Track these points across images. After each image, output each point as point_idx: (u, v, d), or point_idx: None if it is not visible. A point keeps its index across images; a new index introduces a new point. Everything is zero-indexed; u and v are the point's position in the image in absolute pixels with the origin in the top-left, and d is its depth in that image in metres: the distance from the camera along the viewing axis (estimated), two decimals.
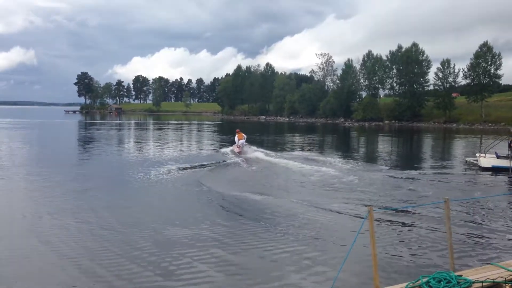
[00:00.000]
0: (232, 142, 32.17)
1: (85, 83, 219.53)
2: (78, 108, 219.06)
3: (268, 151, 30.44)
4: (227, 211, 13.60)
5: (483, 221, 12.53)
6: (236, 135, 31.32)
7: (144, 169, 22.09)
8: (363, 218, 11.60)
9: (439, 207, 12.77)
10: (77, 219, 12.36)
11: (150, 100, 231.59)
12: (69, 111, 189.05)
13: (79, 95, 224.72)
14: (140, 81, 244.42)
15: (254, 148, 30.95)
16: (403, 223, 12.20)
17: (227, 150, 31.33)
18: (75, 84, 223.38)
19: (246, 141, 31.16)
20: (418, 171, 23.04)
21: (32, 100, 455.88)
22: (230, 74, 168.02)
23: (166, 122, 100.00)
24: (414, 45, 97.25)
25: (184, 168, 22.79)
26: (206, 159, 26.59)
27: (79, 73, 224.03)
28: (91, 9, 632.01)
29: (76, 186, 17.41)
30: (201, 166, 23.69)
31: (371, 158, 29.47)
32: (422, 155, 34.47)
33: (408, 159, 28.75)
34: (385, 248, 9.90)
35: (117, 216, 12.85)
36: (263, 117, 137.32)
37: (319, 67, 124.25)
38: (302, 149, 35.17)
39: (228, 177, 20.57)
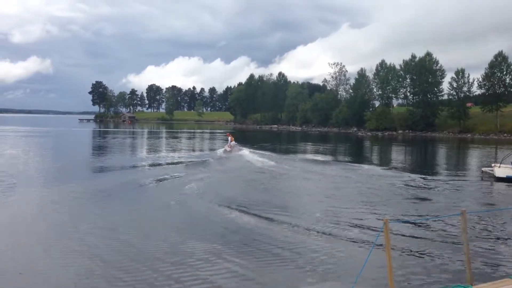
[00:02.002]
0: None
1: (99, 92, 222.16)
2: (92, 116, 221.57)
3: (255, 150, 36.70)
4: (235, 220, 13.56)
5: (500, 233, 12.32)
6: (229, 138, 39.15)
7: (156, 174, 22.22)
8: (378, 230, 11.52)
9: (456, 219, 12.59)
10: (91, 229, 12.41)
11: (163, 108, 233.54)
12: (83, 119, 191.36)
13: (94, 104, 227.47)
14: (153, 90, 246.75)
15: (242, 147, 37.98)
16: (419, 235, 12.00)
17: (221, 150, 38.40)
18: (89, 93, 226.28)
19: (235, 143, 38.67)
20: (433, 181, 22.79)
21: (47, 109, 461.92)
22: (243, 83, 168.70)
23: (179, 130, 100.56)
24: (428, 54, 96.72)
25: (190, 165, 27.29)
26: (208, 157, 33.84)
27: (94, 82, 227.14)
28: (106, 18, 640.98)
29: (91, 195, 17.52)
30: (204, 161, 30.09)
31: (385, 167, 29.21)
32: (437, 165, 34.12)
33: (423, 169, 28.44)
34: (401, 261, 9.77)
35: (130, 227, 12.88)
36: (276, 126, 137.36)
37: (332, 77, 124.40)
38: (317, 156, 35.16)
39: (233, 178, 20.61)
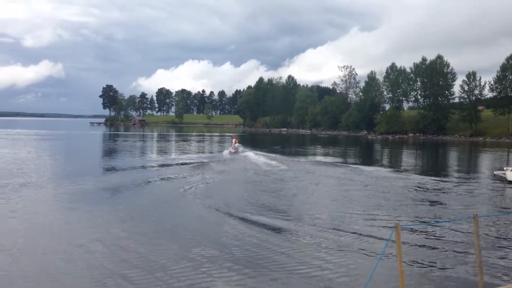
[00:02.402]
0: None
1: (110, 96, 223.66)
2: (103, 120, 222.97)
3: (264, 153, 38.35)
4: (246, 223, 13.49)
5: None
6: (233, 140, 42.16)
7: (164, 174, 22.29)
8: (388, 234, 11.39)
9: (468, 223, 12.41)
10: (101, 233, 12.45)
11: (172, 112, 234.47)
12: (94, 123, 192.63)
13: (104, 108, 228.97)
14: (163, 94, 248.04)
15: (245, 149, 40.40)
16: (431, 239, 11.85)
17: (226, 151, 40.46)
18: (100, 96, 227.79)
19: (239, 144, 41.08)
20: (445, 184, 22.57)
21: (58, 112, 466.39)
22: (252, 86, 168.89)
23: (188, 133, 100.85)
24: (439, 57, 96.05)
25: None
26: (213, 158, 35.68)
27: (104, 86, 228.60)
28: (117, 23, 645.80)
29: (102, 198, 17.60)
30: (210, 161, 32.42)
31: (395, 169, 28.99)
32: (449, 168, 33.80)
33: (434, 172, 28.18)
34: (413, 266, 9.64)
35: (140, 231, 12.89)
36: (285, 129, 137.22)
37: (342, 80, 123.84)
38: (328, 158, 35.04)
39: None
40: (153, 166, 29.89)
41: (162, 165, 30.21)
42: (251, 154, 37.04)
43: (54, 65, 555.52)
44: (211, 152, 43.54)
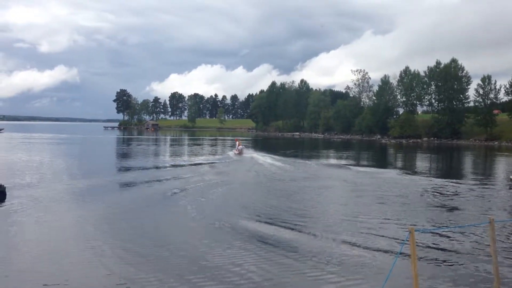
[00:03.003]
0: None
1: (123, 100, 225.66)
2: (116, 124, 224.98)
3: (267, 154, 42.06)
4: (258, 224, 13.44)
5: None
6: (236, 142, 47.32)
7: (180, 178, 22.38)
8: (403, 239, 11.27)
9: (484, 228, 12.21)
10: (112, 235, 12.52)
11: (185, 116, 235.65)
12: (108, 127, 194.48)
13: (118, 112, 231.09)
14: (176, 98, 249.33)
15: (249, 151, 45.79)
16: (446, 245, 11.65)
17: (231, 153, 44.43)
18: (114, 101, 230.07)
19: (242, 147, 45.37)
20: (460, 188, 22.24)
21: (73, 117, 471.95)
22: (265, 90, 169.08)
23: (201, 137, 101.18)
24: (453, 61, 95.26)
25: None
26: (221, 159, 38.66)
27: (118, 90, 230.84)
28: (131, 28, 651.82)
29: (115, 201, 17.73)
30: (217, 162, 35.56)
31: (410, 173, 28.66)
32: (464, 173, 33.37)
33: (450, 176, 27.78)
34: (427, 272, 9.48)
35: (151, 234, 12.93)
36: (297, 133, 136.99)
37: (355, 84, 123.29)
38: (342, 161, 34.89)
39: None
40: (166, 166, 30.59)
41: (175, 165, 32.77)
42: (256, 156, 40.54)
43: (69, 70, 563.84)
44: (220, 154, 45.88)
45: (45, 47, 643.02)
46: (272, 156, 40.50)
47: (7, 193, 17.47)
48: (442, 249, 11.23)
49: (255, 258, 10.36)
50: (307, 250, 10.97)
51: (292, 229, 13.17)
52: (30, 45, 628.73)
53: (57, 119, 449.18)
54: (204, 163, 34.28)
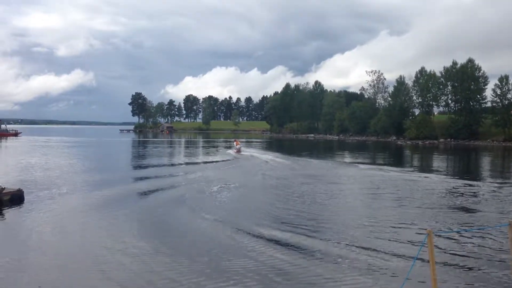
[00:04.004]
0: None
1: (139, 103, 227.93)
2: (132, 127, 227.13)
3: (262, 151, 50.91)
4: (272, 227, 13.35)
5: None
6: (234, 142, 54.42)
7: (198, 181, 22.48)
8: (420, 241, 11.07)
9: (503, 230, 11.92)
10: (129, 239, 12.56)
11: (200, 118, 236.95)
12: (123, 130, 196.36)
13: (133, 115, 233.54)
14: (190, 101, 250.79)
15: (246, 149, 52.30)
16: (465, 247, 11.42)
17: (230, 151, 51.07)
18: (129, 104, 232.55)
19: (240, 146, 51.72)
20: (478, 189, 21.84)
21: (89, 120, 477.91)
22: (279, 92, 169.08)
23: (215, 140, 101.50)
24: (470, 61, 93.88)
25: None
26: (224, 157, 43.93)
27: (133, 94, 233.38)
28: (146, 31, 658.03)
29: (132, 204, 17.83)
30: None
31: (427, 174, 28.23)
32: (482, 174, 32.82)
33: (468, 177, 27.30)
34: (446, 275, 9.28)
35: (167, 238, 12.94)
36: (312, 135, 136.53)
37: (370, 85, 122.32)
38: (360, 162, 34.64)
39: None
40: (181, 164, 30.44)
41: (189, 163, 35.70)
42: (255, 154, 46.24)
43: (86, 73, 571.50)
44: (226, 154, 49.21)
45: (62, 51, 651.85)
46: (281, 155, 43.82)
47: (25, 197, 17.68)
48: (460, 252, 10.99)
49: (272, 260, 10.28)
50: (324, 253, 10.84)
51: (308, 231, 13.04)
52: (47, 49, 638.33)
53: (73, 123, 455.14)
54: (219, 161, 39.46)
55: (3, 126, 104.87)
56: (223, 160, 40.26)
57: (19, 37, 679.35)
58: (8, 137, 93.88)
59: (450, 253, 10.87)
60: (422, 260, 9.25)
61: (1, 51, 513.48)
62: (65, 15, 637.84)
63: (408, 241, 11.95)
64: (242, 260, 10.25)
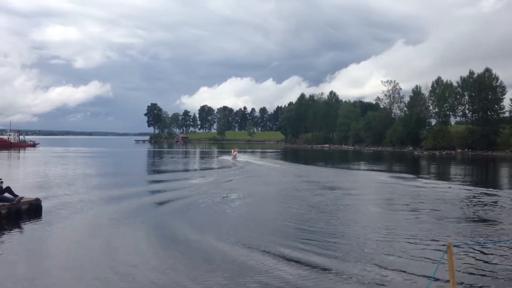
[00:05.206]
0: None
1: (154, 114, 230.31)
2: (147, 137, 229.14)
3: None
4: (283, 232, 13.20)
5: None
6: (231, 150, 63.24)
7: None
8: (440, 254, 10.83)
9: None
10: (145, 243, 12.55)
11: (214, 129, 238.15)
12: (139, 140, 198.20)
13: (149, 125, 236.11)
14: (205, 111, 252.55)
15: (241, 156, 59.78)
16: (487, 261, 11.10)
17: (228, 157, 58.82)
18: (145, 114, 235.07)
19: (236, 153, 58.65)
20: (500, 200, 21.33)
21: (106, 131, 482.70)
22: (293, 102, 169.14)
23: (230, 150, 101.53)
24: (487, 70, 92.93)
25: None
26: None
27: (149, 104, 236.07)
28: (162, 43, 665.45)
29: (150, 210, 17.87)
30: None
31: (446, 184, 27.76)
32: (503, 185, 32.11)
33: (488, 188, 26.72)
34: None
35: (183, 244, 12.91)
36: (327, 145, 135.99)
37: (385, 95, 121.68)
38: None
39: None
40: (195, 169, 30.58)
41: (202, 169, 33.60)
42: (249, 160, 53.68)
43: (103, 85, 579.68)
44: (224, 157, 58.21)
45: (80, 63, 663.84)
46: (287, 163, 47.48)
47: (43, 205, 17.85)
48: (482, 266, 10.68)
49: (288, 278, 10.16)
50: (340, 270, 10.67)
51: (321, 245, 12.87)
52: (65, 61, 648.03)
53: (90, 133, 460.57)
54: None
55: (21, 137, 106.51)
56: (234, 169, 42.04)
57: (38, 50, 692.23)
58: (27, 148, 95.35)
59: (472, 267, 10.54)
60: (443, 273, 9.03)
61: (20, 64, 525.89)
62: (83, 28, 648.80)
63: (428, 253, 11.68)
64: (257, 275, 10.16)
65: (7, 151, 78.74)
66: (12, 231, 14.64)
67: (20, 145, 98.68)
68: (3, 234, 14.08)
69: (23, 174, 35.04)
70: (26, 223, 15.65)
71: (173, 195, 22.89)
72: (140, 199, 21.78)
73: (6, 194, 17.11)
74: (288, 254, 11.52)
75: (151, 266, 10.57)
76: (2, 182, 17.55)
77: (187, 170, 42.34)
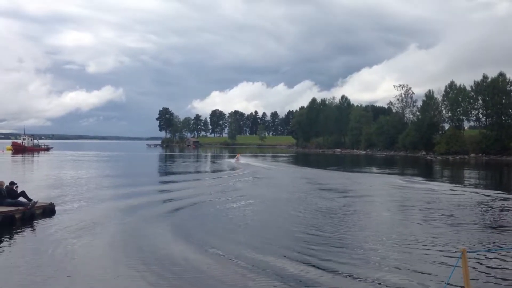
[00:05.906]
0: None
1: (166, 118, 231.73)
2: (159, 141, 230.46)
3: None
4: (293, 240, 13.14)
5: None
6: (236, 155, 72.13)
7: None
8: (453, 260, 10.69)
9: None
10: (159, 247, 12.59)
11: (226, 133, 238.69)
12: (151, 144, 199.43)
13: (160, 130, 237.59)
14: (216, 115, 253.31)
15: (245, 159, 66.61)
16: (503, 268, 10.91)
17: (232, 160, 64.96)
18: (157, 119, 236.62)
19: (239, 157, 67.29)
20: None
21: (118, 135, 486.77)
22: (305, 107, 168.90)
23: (242, 154, 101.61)
24: (501, 74, 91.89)
25: None
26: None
27: (161, 109, 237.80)
28: (175, 47, 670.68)
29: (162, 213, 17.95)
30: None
31: (460, 189, 27.43)
32: None
33: (504, 193, 26.35)
34: None
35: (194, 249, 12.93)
36: (339, 150, 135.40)
37: (398, 99, 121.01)
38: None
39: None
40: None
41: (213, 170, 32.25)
42: (253, 163, 57.90)
43: (115, 89, 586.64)
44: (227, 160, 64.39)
45: (93, 68, 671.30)
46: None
47: (56, 209, 18.03)
48: (498, 273, 10.48)
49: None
50: (354, 274, 10.59)
51: (330, 251, 12.80)
52: (79, 66, 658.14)
53: (103, 138, 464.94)
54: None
55: (35, 141, 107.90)
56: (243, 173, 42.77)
57: (52, 55, 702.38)
58: (40, 152, 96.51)
59: (487, 274, 10.35)
60: (456, 281, 8.90)
61: (35, 69, 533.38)
62: (96, 33, 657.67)
63: (441, 260, 11.52)
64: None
65: (21, 155, 79.80)
66: (25, 235, 14.76)
67: (34, 149, 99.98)
68: (16, 238, 14.25)
69: (37, 178, 35.44)
70: (39, 226, 15.80)
71: (188, 201, 22.96)
72: (156, 207, 21.87)
73: (21, 198, 17.33)
74: (310, 260, 11.48)
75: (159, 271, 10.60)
76: (17, 187, 17.78)
77: (198, 172, 43.08)
